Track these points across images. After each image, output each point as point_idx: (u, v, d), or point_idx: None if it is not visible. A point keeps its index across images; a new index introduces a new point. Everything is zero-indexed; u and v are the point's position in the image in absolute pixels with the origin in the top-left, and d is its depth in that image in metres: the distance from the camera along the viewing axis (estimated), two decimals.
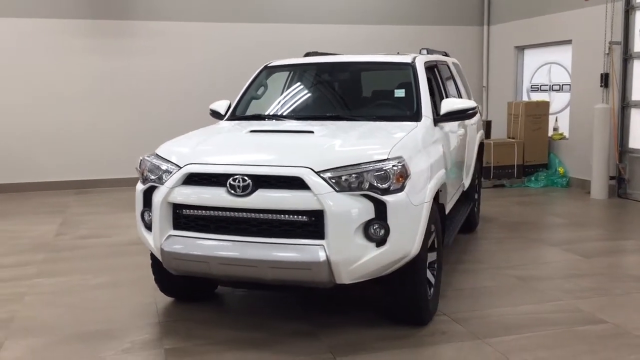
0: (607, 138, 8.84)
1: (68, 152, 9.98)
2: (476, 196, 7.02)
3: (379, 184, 3.71)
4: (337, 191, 3.65)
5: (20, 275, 5.54)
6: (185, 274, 4.05)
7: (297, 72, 5.56)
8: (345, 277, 3.70)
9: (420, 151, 4.16)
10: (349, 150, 3.90)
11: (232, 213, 3.78)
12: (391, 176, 3.73)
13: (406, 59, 5.18)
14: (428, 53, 5.95)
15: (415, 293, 4.05)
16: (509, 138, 10.48)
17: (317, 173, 3.66)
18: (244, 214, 3.76)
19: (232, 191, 3.74)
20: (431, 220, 4.19)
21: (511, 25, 11.25)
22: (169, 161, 4.04)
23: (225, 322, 4.39)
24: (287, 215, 3.69)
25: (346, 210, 3.62)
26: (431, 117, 4.78)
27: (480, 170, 7.27)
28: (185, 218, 3.93)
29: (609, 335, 4.11)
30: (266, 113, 5.18)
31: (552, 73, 10.68)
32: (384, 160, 3.77)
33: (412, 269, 3.97)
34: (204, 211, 3.85)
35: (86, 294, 5.02)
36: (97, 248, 6.44)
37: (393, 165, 3.75)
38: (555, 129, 10.51)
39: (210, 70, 10.42)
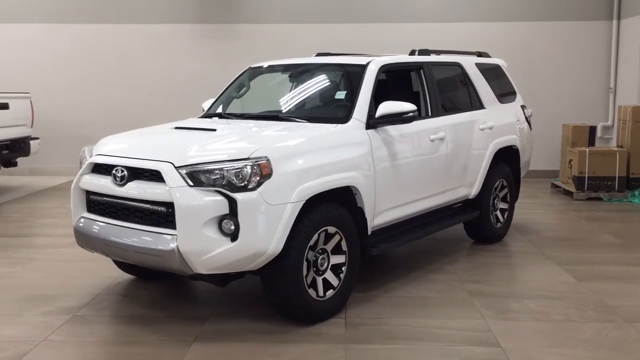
0: None
1: None
2: (502, 206, 6.59)
3: (235, 182, 3.89)
4: (190, 186, 3.90)
5: (52, 244, 6.55)
6: (90, 252, 4.59)
7: (273, 73, 5.80)
8: (199, 267, 3.93)
9: (306, 153, 4.21)
10: (217, 149, 4.12)
11: (115, 200, 4.23)
12: (246, 175, 3.89)
13: (361, 61, 5.15)
14: (420, 54, 5.81)
15: (284, 292, 4.13)
16: (619, 146, 9.42)
17: (177, 168, 3.95)
18: (122, 201, 4.18)
19: (115, 180, 4.19)
20: (324, 222, 4.26)
21: (638, 19, 10.05)
22: (91, 152, 4.61)
23: (144, 300, 4.87)
24: (151, 205, 4.04)
25: (194, 204, 3.86)
26: (363, 120, 4.75)
27: (515, 180, 6.77)
28: (93, 202, 4.47)
29: (482, 359, 3.82)
30: (228, 112, 5.53)
31: None
32: (243, 160, 3.93)
33: (277, 268, 4.07)
34: (100, 197, 4.35)
35: (77, 265, 5.78)
36: None
37: (249, 165, 3.90)
38: None
39: None
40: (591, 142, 9.66)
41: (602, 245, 6.55)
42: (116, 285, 5.22)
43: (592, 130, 9.73)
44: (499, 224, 6.56)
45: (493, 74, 6.71)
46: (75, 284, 5.24)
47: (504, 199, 6.66)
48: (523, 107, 7.03)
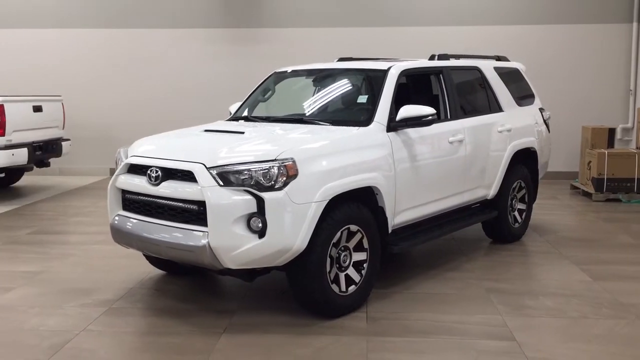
0: None
1: None
2: (520, 206, 6.74)
3: (263, 182, 4.13)
4: (221, 185, 4.14)
5: (86, 241, 6.85)
6: (125, 247, 4.85)
7: (296, 77, 6.03)
8: (228, 262, 4.17)
9: (330, 154, 4.43)
10: (245, 150, 4.35)
11: (149, 198, 4.49)
12: (273, 175, 4.12)
13: (382, 66, 5.36)
14: (439, 59, 5.99)
15: (309, 287, 4.36)
16: (638, 148, 9.51)
17: (208, 169, 4.19)
18: (156, 199, 4.44)
19: (149, 180, 4.45)
20: (346, 220, 4.47)
21: None
22: (126, 153, 4.87)
23: (175, 294, 5.12)
24: (183, 204, 4.29)
25: (224, 203, 4.10)
26: (384, 123, 4.96)
27: (533, 181, 6.91)
28: (128, 201, 4.73)
29: (498, 352, 4.01)
30: (254, 115, 5.78)
31: None
32: (270, 161, 4.16)
33: (302, 263, 4.30)
34: (135, 196, 4.62)
35: (111, 261, 6.06)
36: None
37: (276, 166, 4.13)
38: None
39: None
40: (610, 144, 9.75)
41: (619, 245, 6.68)
42: (148, 280, 5.48)
43: (612, 132, 9.82)
44: (516, 224, 6.72)
45: (511, 77, 6.87)
46: (110, 279, 5.51)
47: (522, 200, 6.81)
48: (541, 109, 7.17)
